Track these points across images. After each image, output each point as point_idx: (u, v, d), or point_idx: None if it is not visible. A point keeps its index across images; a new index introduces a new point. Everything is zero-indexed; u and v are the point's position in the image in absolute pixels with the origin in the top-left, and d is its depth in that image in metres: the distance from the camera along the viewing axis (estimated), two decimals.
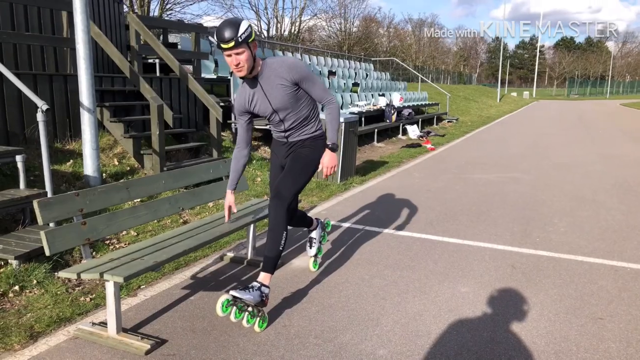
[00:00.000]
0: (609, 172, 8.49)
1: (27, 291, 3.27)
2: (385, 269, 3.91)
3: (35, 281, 3.35)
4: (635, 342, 2.83)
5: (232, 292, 2.80)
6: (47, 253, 2.60)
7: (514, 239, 4.70)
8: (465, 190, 6.90)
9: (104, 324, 2.83)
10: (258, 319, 2.89)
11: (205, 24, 15.59)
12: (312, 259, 3.84)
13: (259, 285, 2.90)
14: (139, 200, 4.34)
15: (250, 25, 2.80)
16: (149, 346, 2.66)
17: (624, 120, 22.76)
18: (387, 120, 12.93)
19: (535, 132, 16.01)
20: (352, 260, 4.08)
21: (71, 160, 5.48)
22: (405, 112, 14.33)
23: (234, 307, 2.80)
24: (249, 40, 2.77)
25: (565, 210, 5.83)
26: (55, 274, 3.43)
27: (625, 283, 3.68)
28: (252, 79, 2.98)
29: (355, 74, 17.06)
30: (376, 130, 11.82)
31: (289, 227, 3.10)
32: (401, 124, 13.57)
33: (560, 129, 17.56)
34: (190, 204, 3.77)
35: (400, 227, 5.03)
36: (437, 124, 17.15)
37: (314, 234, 3.79)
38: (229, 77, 9.12)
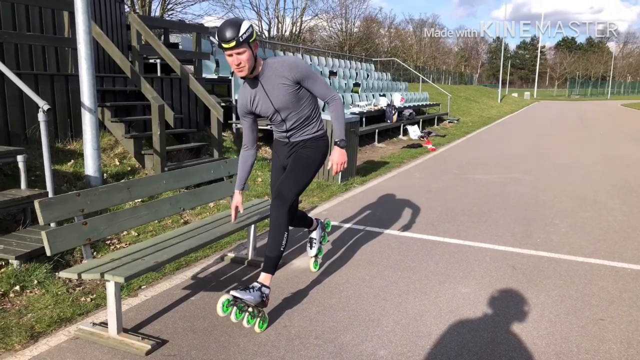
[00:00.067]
0: (610, 172, 8.48)
1: (28, 291, 3.27)
2: (386, 269, 3.90)
3: (36, 281, 3.35)
4: (636, 344, 2.83)
5: (233, 292, 2.80)
6: (48, 253, 2.60)
7: (515, 240, 4.70)
8: (466, 190, 6.89)
9: (104, 324, 2.83)
10: (258, 319, 2.89)
11: (206, 24, 15.60)
12: (313, 259, 3.84)
13: (260, 285, 2.90)
14: (139, 200, 4.35)
15: (251, 26, 2.80)
16: (149, 346, 2.66)
17: (625, 120, 22.74)
18: (388, 121, 12.92)
19: (536, 133, 16.00)
20: (352, 261, 4.08)
21: (72, 161, 5.48)
22: (406, 112, 14.33)
23: (235, 308, 2.80)
24: (250, 40, 2.77)
25: (566, 211, 5.83)
26: (56, 274, 3.43)
27: (626, 284, 3.68)
28: (253, 79, 2.98)
29: (356, 74, 17.07)
30: (377, 130, 11.82)
31: (289, 228, 3.10)
32: (402, 125, 13.56)
33: (561, 129, 17.55)
34: (191, 204, 3.77)
35: (401, 228, 5.03)
36: (438, 125, 17.15)
37: (314, 235, 3.79)
38: (230, 78, 9.12)
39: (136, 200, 4.15)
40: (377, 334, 2.89)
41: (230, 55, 2.78)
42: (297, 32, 37.58)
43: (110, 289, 2.67)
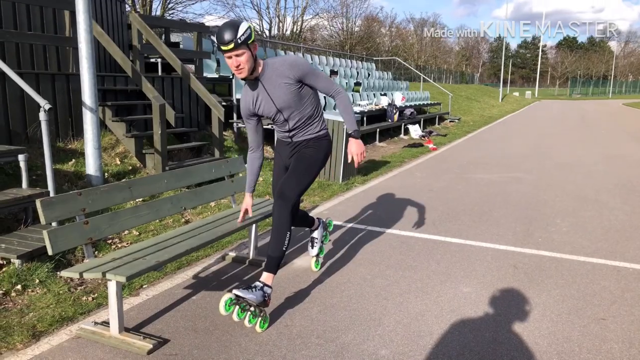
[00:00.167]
0: (612, 172, 8.47)
1: (30, 290, 3.27)
2: (387, 269, 3.90)
3: (37, 280, 3.35)
4: (638, 343, 2.82)
5: (235, 291, 2.80)
6: (50, 252, 2.60)
7: (516, 239, 4.69)
8: (467, 190, 6.89)
9: (106, 323, 2.83)
10: (260, 319, 2.89)
11: (207, 24, 15.60)
12: (314, 258, 3.84)
13: (262, 285, 2.90)
14: (141, 199, 4.35)
15: (250, 27, 2.79)
16: (151, 346, 2.66)
17: (626, 120, 22.71)
18: (389, 120, 12.92)
19: (537, 132, 15.98)
20: (354, 260, 4.08)
21: (73, 160, 5.49)
22: (407, 111, 14.32)
23: (237, 307, 2.80)
24: (249, 42, 2.77)
25: (567, 210, 5.82)
26: (58, 273, 3.44)
27: (628, 283, 3.67)
28: (253, 81, 2.98)
29: (357, 73, 17.05)
30: (378, 129, 11.81)
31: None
32: (403, 124, 13.56)
33: (562, 128, 17.54)
34: (192, 203, 3.77)
35: (402, 227, 5.03)
36: (439, 124, 17.14)
37: (315, 234, 3.79)
38: (231, 77, 9.11)
39: (137, 200, 4.15)
40: (378, 333, 2.89)
41: (230, 57, 2.78)
42: (298, 31, 37.58)
43: (112, 288, 2.67)
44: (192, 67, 8.34)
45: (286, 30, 37.50)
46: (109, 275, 2.58)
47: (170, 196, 3.59)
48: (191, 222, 4.38)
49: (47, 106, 4.11)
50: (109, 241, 4.14)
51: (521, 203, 6.14)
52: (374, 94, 14.60)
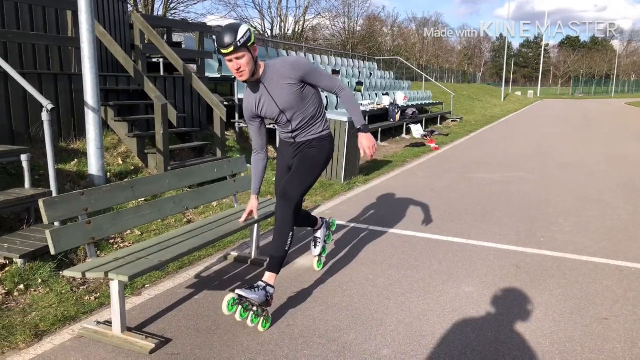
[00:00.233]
0: (615, 171, 8.45)
1: (32, 290, 3.28)
2: (390, 268, 3.90)
3: (40, 280, 3.36)
4: None
5: (238, 291, 2.80)
6: (53, 252, 2.60)
7: (519, 239, 4.68)
8: (469, 189, 6.88)
9: (108, 323, 2.84)
10: (262, 318, 2.89)
11: (209, 23, 15.62)
12: (317, 258, 3.84)
13: (265, 285, 2.90)
14: (143, 199, 4.35)
15: (249, 29, 2.79)
16: (153, 345, 2.67)
17: (629, 119, 22.66)
18: (391, 120, 12.91)
19: (539, 132, 15.95)
20: (356, 260, 4.08)
21: (76, 160, 5.50)
22: (409, 111, 14.31)
23: (240, 306, 2.81)
24: (249, 44, 2.77)
25: (570, 210, 5.81)
26: (60, 273, 3.44)
27: (630, 283, 3.66)
28: (255, 83, 2.98)
29: (359, 73, 17.04)
30: (380, 129, 11.80)
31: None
32: (405, 123, 13.55)
33: (565, 128, 17.50)
34: (195, 203, 3.78)
35: (404, 227, 5.03)
36: (441, 123, 17.12)
37: (318, 234, 3.79)
38: (233, 77, 9.10)
39: (140, 200, 4.16)
40: (380, 333, 2.89)
41: (230, 60, 2.79)
42: (299, 31, 37.58)
43: (114, 288, 2.68)
44: (194, 67, 8.34)
45: (288, 29, 37.52)
46: (111, 274, 2.59)
47: (172, 196, 3.60)
48: (193, 222, 4.38)
49: (50, 106, 4.12)
50: (112, 241, 4.15)
51: (523, 203, 6.13)
52: (376, 94, 14.59)
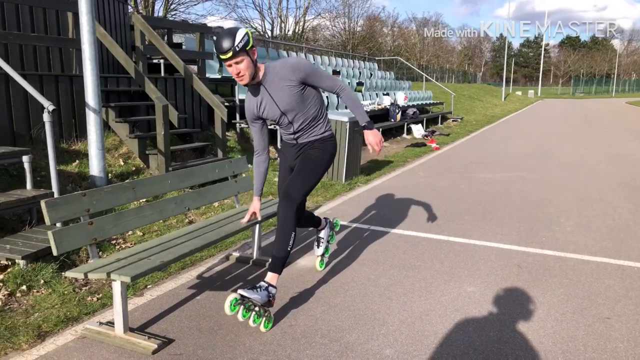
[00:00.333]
0: (616, 170, 8.45)
1: (35, 291, 3.29)
2: (391, 268, 3.90)
3: (42, 281, 3.36)
4: None
5: (240, 292, 2.81)
6: (55, 253, 2.61)
7: (520, 239, 4.68)
8: (470, 189, 6.88)
9: (111, 323, 2.84)
10: (264, 319, 2.89)
11: (209, 24, 15.62)
12: (319, 258, 3.84)
13: (267, 285, 2.90)
14: (144, 200, 4.36)
15: (247, 33, 2.79)
16: (155, 346, 2.67)
17: (630, 118, 22.64)
18: (392, 120, 12.91)
19: (540, 131, 15.95)
20: (357, 260, 4.08)
21: (77, 161, 5.50)
22: (410, 111, 14.31)
23: (242, 307, 2.81)
24: (247, 48, 2.77)
25: (571, 209, 5.80)
26: (62, 273, 3.45)
27: (632, 282, 3.66)
28: (256, 85, 2.99)
29: (360, 73, 17.05)
30: (380, 129, 11.78)
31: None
32: (406, 123, 13.54)
33: (565, 127, 17.49)
34: (196, 203, 3.78)
35: (405, 227, 5.03)
36: (441, 123, 17.12)
37: (322, 234, 3.80)
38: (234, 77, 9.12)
39: (141, 200, 4.16)
40: (382, 332, 2.89)
41: (230, 65, 2.79)
42: (300, 32, 37.59)
43: (117, 289, 2.68)
44: (194, 67, 8.35)
45: (288, 30, 37.53)
46: (113, 275, 2.59)
47: (174, 196, 3.60)
48: (195, 223, 4.38)
49: (51, 107, 4.12)
50: (113, 242, 4.16)
51: (525, 202, 6.13)
52: (376, 94, 14.59)
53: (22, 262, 3.42)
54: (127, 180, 5.07)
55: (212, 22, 30.34)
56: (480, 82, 54.52)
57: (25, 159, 4.20)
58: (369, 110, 12.00)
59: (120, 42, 8.01)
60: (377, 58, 25.92)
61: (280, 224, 3.00)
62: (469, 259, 4.13)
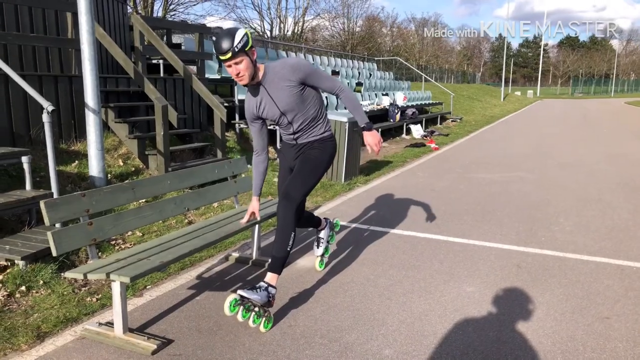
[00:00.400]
0: (615, 170, 8.46)
1: (34, 291, 3.28)
2: (391, 268, 3.90)
3: (41, 281, 3.36)
4: None
5: (240, 292, 2.81)
6: (54, 253, 2.61)
7: (520, 239, 4.69)
8: (469, 189, 6.88)
9: (110, 324, 2.84)
10: (264, 319, 2.89)
11: (208, 25, 15.61)
12: (319, 258, 3.84)
13: (266, 285, 2.90)
14: (144, 200, 4.35)
15: (246, 33, 2.79)
16: (155, 346, 2.67)
17: (628, 118, 22.67)
18: (391, 120, 12.91)
19: (539, 132, 15.96)
20: (357, 260, 4.08)
21: (76, 161, 5.50)
22: (409, 111, 14.31)
23: (241, 307, 2.81)
24: (246, 48, 2.77)
25: (570, 209, 5.81)
26: (62, 274, 3.44)
27: (631, 282, 3.67)
28: (256, 85, 2.99)
29: (359, 73, 17.05)
30: (380, 129, 11.78)
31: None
32: (405, 124, 13.55)
33: (564, 128, 17.51)
34: (196, 204, 3.78)
35: (405, 227, 5.03)
36: (441, 124, 17.13)
37: (322, 234, 3.80)
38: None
39: (140, 201, 4.15)
40: (382, 333, 2.89)
41: (229, 66, 2.80)
42: (299, 32, 37.57)
43: (116, 289, 2.68)
44: (194, 68, 8.34)
45: (287, 30, 37.51)
46: (113, 276, 2.59)
47: (173, 197, 3.60)
48: (194, 223, 4.39)
49: (50, 108, 4.12)
50: (113, 242, 4.15)
51: (524, 202, 6.13)
52: (375, 94, 14.59)
53: (21, 263, 3.42)
54: (126, 181, 5.07)
55: (211, 22, 30.38)
56: (479, 82, 54.55)
57: (24, 159, 4.19)
58: (368, 110, 12.01)
59: (119, 42, 8.01)
60: (376, 58, 25.93)
61: (280, 224, 3.00)
62: (468, 259, 4.14)
